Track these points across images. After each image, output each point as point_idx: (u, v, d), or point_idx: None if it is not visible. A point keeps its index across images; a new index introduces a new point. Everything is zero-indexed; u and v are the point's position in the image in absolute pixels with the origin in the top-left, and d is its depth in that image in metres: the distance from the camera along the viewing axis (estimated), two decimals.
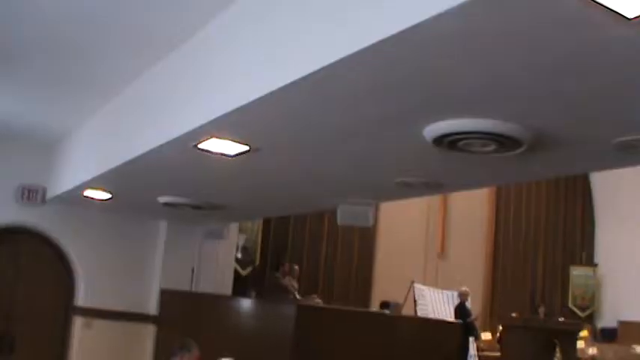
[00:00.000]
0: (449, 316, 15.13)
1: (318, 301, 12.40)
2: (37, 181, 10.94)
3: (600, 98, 4.11)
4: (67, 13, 5.76)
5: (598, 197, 20.19)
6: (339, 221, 8.57)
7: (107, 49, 6.52)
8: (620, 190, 18.86)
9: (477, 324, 15.88)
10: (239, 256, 13.73)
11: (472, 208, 18.24)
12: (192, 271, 11.82)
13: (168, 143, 6.20)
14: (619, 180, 17.88)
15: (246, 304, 9.99)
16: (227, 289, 12.43)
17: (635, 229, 18.36)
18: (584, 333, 15.32)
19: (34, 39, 6.47)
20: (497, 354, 14.68)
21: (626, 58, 3.44)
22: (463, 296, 15.35)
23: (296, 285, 13.38)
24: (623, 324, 17.04)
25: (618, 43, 3.24)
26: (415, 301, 15.53)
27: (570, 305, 19.43)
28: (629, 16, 2.89)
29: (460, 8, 2.99)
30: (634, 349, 15.77)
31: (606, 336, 18.05)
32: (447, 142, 4.98)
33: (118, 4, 5.52)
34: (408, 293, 15.16)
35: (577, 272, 19.63)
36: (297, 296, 12.96)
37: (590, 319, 18.90)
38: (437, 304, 15.98)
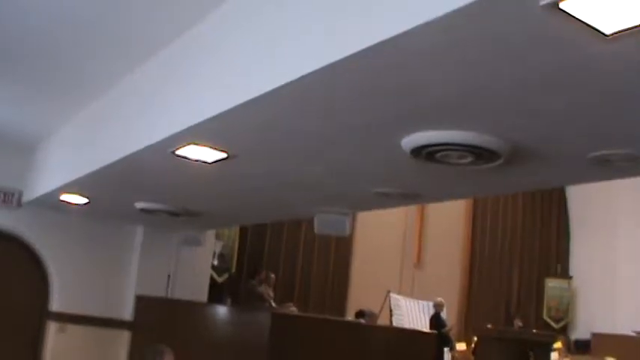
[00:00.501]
0: (424, 326, 15.17)
1: (293, 309, 12.38)
2: (13, 184, 10.86)
3: (577, 113, 4.14)
4: (44, 16, 5.73)
5: (573, 210, 20.33)
6: (316, 230, 8.58)
7: (86, 52, 6.49)
8: (595, 203, 18.99)
9: (452, 335, 15.93)
10: (215, 263, 13.69)
11: (449, 218, 18.31)
12: (168, 277, 11.77)
13: (146, 149, 6.18)
14: (594, 193, 18.02)
15: (221, 311, 9.96)
16: (203, 295, 12.39)
17: (609, 242, 18.51)
18: (558, 344, 15.36)
19: (12, 40, 6.42)
20: None
21: (604, 74, 3.47)
22: (438, 307, 15.41)
23: (272, 293, 13.35)
24: (597, 336, 17.10)
25: (596, 59, 3.27)
26: (391, 310, 15.56)
27: (545, 317, 19.53)
28: (606, 33, 2.91)
29: (442, 20, 3.00)
30: None
31: (580, 348, 18.10)
32: (425, 153, 4.99)
33: (97, 9, 5.50)
34: (383, 303, 15.19)
35: (552, 284, 19.74)
36: (273, 304, 12.93)
37: (564, 331, 18.98)
38: (412, 314, 16.02)
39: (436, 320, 15.05)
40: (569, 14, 2.80)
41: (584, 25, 2.87)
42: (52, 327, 11.17)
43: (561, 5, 2.74)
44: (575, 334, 19.08)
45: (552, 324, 19.32)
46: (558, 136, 4.69)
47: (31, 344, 11.12)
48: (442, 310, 15.46)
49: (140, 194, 8.82)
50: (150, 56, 6.27)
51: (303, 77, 3.90)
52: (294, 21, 4.14)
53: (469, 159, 5.03)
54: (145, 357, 6.80)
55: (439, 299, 15.46)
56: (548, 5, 2.75)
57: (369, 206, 8.71)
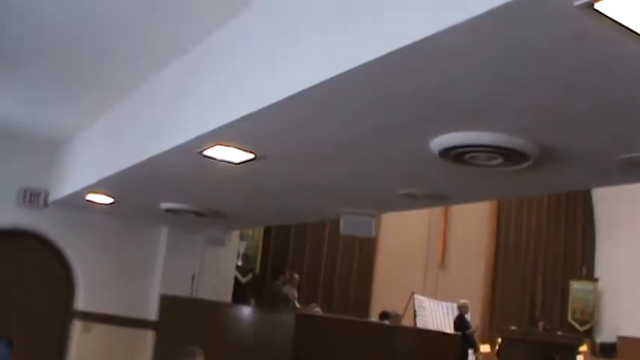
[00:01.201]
0: (448, 327, 15.11)
1: (317, 310, 12.36)
2: (40, 184, 10.92)
3: (607, 114, 4.10)
4: (73, 16, 5.77)
5: (599, 211, 20.18)
6: (341, 231, 8.56)
7: (114, 53, 6.52)
8: (621, 205, 18.83)
9: (476, 336, 15.86)
10: (239, 263, 13.71)
11: (473, 220, 18.22)
12: (193, 277, 11.79)
13: (173, 149, 6.19)
14: (620, 195, 17.85)
15: (245, 311, 9.97)
16: (227, 296, 12.40)
17: (635, 244, 18.34)
18: (583, 348, 15.28)
19: (40, 41, 6.47)
20: None
21: (634, 74, 3.43)
22: (462, 308, 15.35)
23: (296, 294, 13.35)
24: (623, 339, 17.01)
25: (627, 58, 3.24)
26: (415, 312, 15.51)
27: (570, 319, 19.38)
28: (639, 32, 2.88)
29: (469, 22, 3.00)
30: None
31: (605, 351, 18.00)
32: (454, 154, 4.97)
33: (126, 10, 5.52)
34: (407, 304, 15.15)
35: (577, 286, 19.59)
36: (297, 305, 12.93)
37: (590, 334, 18.84)
38: (436, 315, 15.97)
39: (460, 321, 14.99)
40: (603, 14, 2.78)
41: (619, 26, 2.85)
42: (77, 326, 11.23)
43: (596, 6, 2.72)
44: (601, 337, 18.94)
45: (577, 326, 19.18)
46: (587, 138, 4.65)
47: (56, 343, 11.19)
48: (467, 311, 15.40)
49: (165, 194, 8.84)
50: (178, 57, 6.28)
51: (331, 79, 3.89)
52: (322, 24, 4.13)
53: (498, 160, 5.01)
54: (177, 358, 6.83)
55: (463, 301, 15.40)
56: (582, 5, 2.73)
57: (395, 207, 8.68)
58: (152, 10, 5.48)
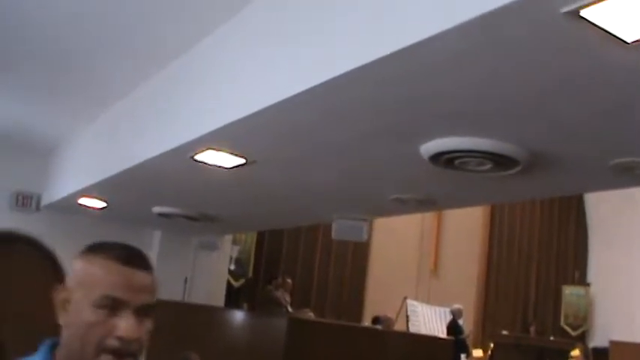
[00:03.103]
0: (441, 332, 15.13)
1: (310, 314, 12.36)
2: (32, 188, 10.92)
3: (598, 120, 4.13)
4: (64, 20, 5.76)
5: (592, 216, 20.22)
6: (333, 236, 8.58)
7: (106, 57, 6.53)
8: (613, 210, 18.88)
9: (469, 341, 15.87)
10: (232, 267, 13.70)
11: (466, 225, 18.25)
12: (185, 281, 11.79)
13: (164, 154, 6.20)
14: (613, 199, 17.91)
15: (238, 316, 9.97)
16: (219, 300, 12.41)
17: (628, 249, 18.39)
18: (575, 352, 15.32)
19: (32, 45, 6.46)
20: None
21: (624, 81, 3.46)
22: (456, 313, 15.35)
23: (288, 298, 13.37)
24: (615, 344, 17.00)
25: (617, 66, 3.26)
26: (407, 316, 15.53)
27: (562, 324, 19.41)
28: (627, 40, 2.91)
29: (459, 28, 3.01)
30: None
31: (598, 355, 18.01)
32: (444, 159, 4.99)
33: (118, 14, 5.53)
34: (400, 309, 15.16)
35: (569, 291, 19.62)
36: (290, 309, 12.94)
37: (582, 339, 18.88)
38: (429, 320, 15.99)
39: (453, 327, 14.99)
40: (590, 22, 2.79)
41: (605, 33, 2.87)
42: None
43: (582, 13, 2.74)
44: (594, 341, 18.96)
45: (570, 331, 19.20)
46: (578, 144, 4.67)
47: None
48: (460, 316, 15.40)
49: (158, 199, 8.84)
50: (169, 62, 6.29)
51: (321, 84, 3.91)
52: (313, 28, 4.15)
53: (488, 166, 5.03)
54: None
55: (457, 306, 15.40)
56: (569, 13, 2.75)
57: (385, 212, 8.70)
58: (143, 15, 5.49)
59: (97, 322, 1.74)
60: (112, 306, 1.75)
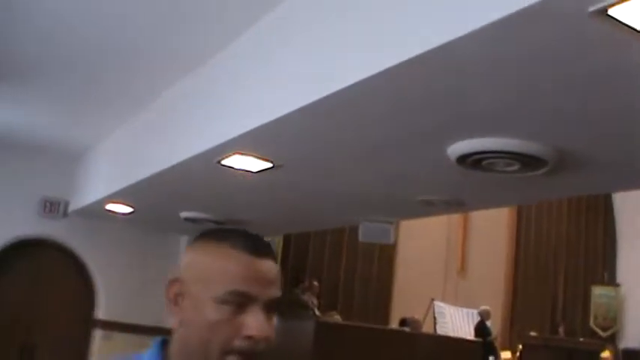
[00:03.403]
0: (468, 334, 15.05)
1: (337, 317, 12.37)
2: (60, 194, 11.00)
3: (625, 118, 4.09)
4: (94, 30, 5.82)
5: (620, 216, 20.00)
6: (360, 238, 8.57)
7: (133, 64, 6.58)
8: None
9: (497, 343, 15.78)
10: None
11: (493, 226, 18.15)
12: None
13: (191, 159, 6.23)
14: None
15: None
16: None
17: None
18: (605, 353, 15.16)
19: (61, 54, 6.54)
20: None
21: None
22: (484, 315, 15.26)
23: (315, 301, 13.35)
24: None
25: None
26: (435, 318, 15.46)
27: (592, 325, 19.23)
28: None
29: (487, 28, 3.00)
30: None
31: (628, 357, 17.84)
32: (471, 161, 4.97)
33: (144, 22, 5.57)
34: (427, 311, 15.10)
35: (598, 292, 19.42)
36: (317, 312, 12.93)
37: (613, 340, 18.68)
38: (457, 322, 15.90)
39: (481, 328, 14.91)
40: (618, 20, 2.78)
41: (634, 31, 2.84)
42: (97, 335, 11.28)
43: (610, 12, 2.72)
44: (624, 342, 18.77)
45: (600, 332, 19.01)
46: (606, 143, 4.63)
47: (77, 352, 11.23)
48: (488, 318, 15.30)
49: (185, 204, 8.87)
50: (195, 67, 6.32)
51: (348, 87, 3.91)
52: (338, 32, 4.15)
53: (515, 166, 5.00)
54: None
55: (485, 307, 15.31)
56: (596, 12, 2.73)
57: (413, 214, 8.67)
58: (170, 22, 5.52)
59: (222, 321, 1.53)
60: (239, 302, 1.55)
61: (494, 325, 16.15)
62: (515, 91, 3.81)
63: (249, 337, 1.54)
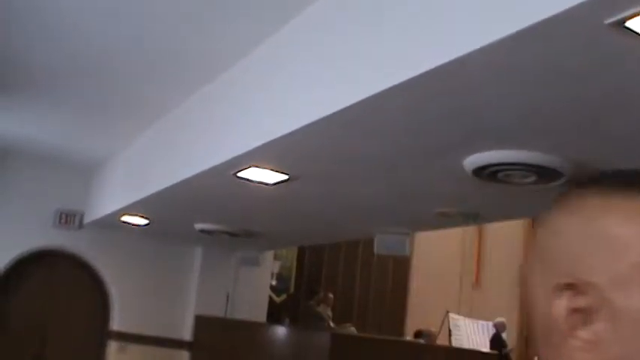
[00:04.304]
0: (484, 346, 14.99)
1: (352, 329, 12.34)
2: (75, 205, 11.04)
3: None
4: (109, 41, 5.85)
5: None
6: (376, 250, 8.56)
7: (148, 77, 6.60)
8: None
9: (512, 355, 15.71)
10: (274, 283, 13.73)
11: (508, 238, 18.07)
12: (227, 297, 11.82)
13: (207, 171, 6.24)
14: None
15: (280, 331, 9.98)
16: (261, 316, 12.41)
17: None
18: None
19: (76, 67, 6.57)
20: None
21: None
22: (500, 327, 15.20)
23: (330, 313, 13.33)
24: None
25: None
26: (450, 330, 15.41)
27: None
28: None
29: (504, 42, 3.00)
30: None
31: None
32: (487, 173, 4.96)
33: (159, 35, 5.60)
34: (442, 323, 15.06)
35: None
36: (332, 324, 12.91)
37: None
38: (472, 334, 15.84)
39: (497, 341, 14.85)
40: (635, 32, 2.77)
41: None
42: (112, 346, 11.30)
43: (628, 24, 2.71)
44: None
45: None
46: (623, 156, 4.61)
47: None
48: (504, 330, 15.24)
49: (200, 215, 8.89)
50: (211, 80, 6.34)
51: (366, 100, 3.91)
52: (356, 45, 4.15)
53: (532, 178, 4.99)
54: None
55: (501, 319, 15.24)
56: (614, 24, 2.73)
57: (429, 226, 8.66)
58: (186, 34, 5.55)
59: None
60: None
61: (509, 337, 16.08)
62: (532, 104, 3.80)
63: None
